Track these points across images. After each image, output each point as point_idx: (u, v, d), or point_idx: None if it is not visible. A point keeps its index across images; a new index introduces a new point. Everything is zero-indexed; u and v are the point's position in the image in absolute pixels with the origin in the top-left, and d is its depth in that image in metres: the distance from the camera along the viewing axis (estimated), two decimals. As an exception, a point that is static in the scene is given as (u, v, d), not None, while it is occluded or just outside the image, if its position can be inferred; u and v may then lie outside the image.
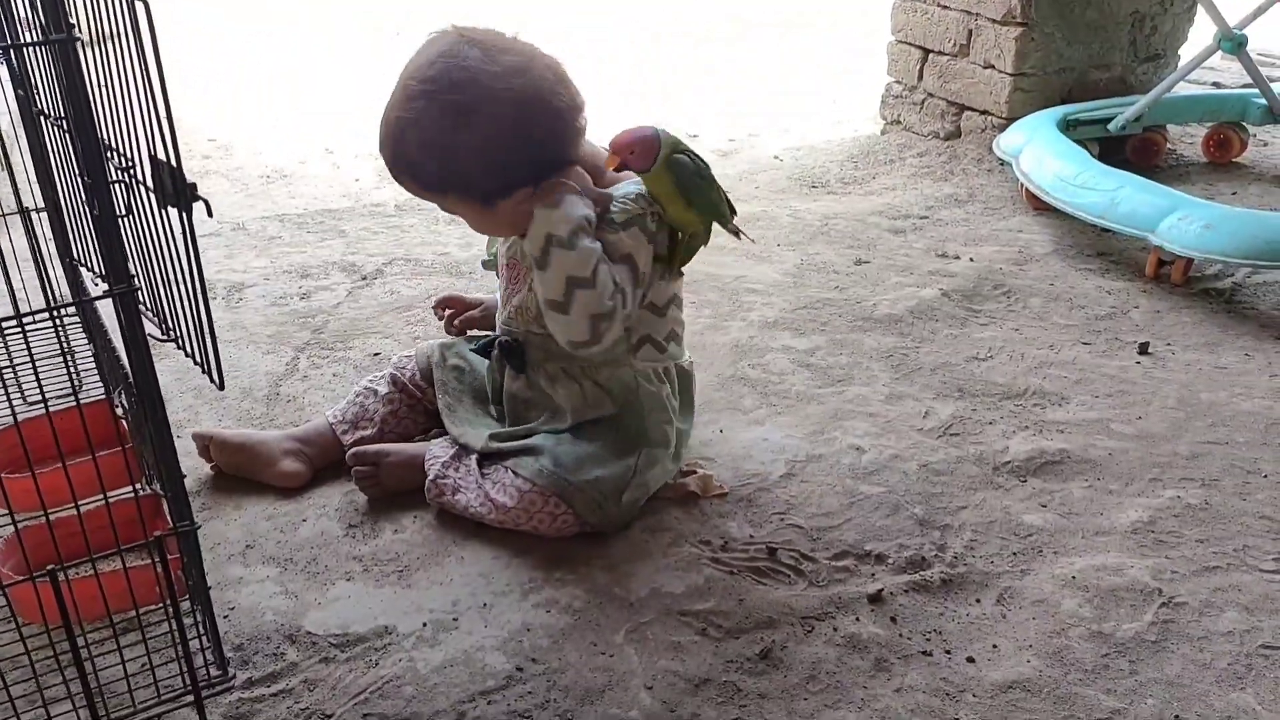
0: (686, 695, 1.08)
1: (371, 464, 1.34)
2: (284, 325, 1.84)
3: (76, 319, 1.44)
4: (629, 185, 1.30)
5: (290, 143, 3.31)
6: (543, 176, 1.22)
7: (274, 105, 3.70)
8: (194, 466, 1.41)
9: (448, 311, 1.57)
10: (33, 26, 0.99)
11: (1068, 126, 2.44)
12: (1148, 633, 1.19)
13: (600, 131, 1.29)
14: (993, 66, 2.64)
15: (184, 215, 0.82)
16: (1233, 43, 2.38)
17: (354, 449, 1.35)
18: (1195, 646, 1.17)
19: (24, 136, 1.28)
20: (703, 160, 1.28)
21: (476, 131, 1.17)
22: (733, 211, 1.34)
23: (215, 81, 3.77)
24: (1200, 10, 2.55)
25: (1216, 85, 3.12)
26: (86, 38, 0.80)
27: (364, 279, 2.04)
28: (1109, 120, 2.50)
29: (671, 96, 3.62)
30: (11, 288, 0.92)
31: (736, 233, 1.35)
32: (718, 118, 3.41)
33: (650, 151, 1.21)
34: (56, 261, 1.42)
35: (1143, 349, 1.79)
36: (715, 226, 1.34)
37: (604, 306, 1.21)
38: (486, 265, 1.46)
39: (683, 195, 1.25)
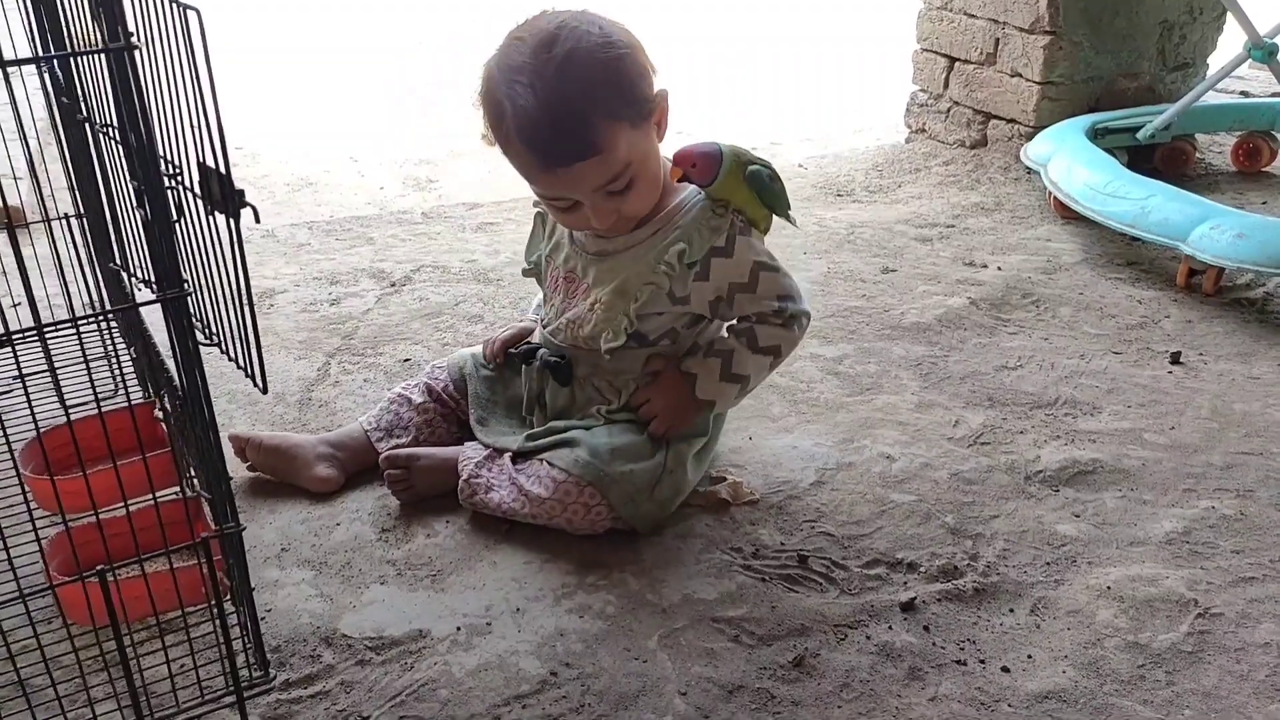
0: (720, 702, 1.09)
1: (404, 468, 1.35)
2: (315, 331, 1.86)
3: (114, 323, 1.46)
4: (688, 200, 1.31)
5: (316, 151, 3.35)
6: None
7: (299, 113, 3.73)
8: (231, 469, 1.42)
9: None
10: (79, 33, 1.00)
11: (1096, 135, 2.44)
12: (1184, 644, 1.18)
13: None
14: (1020, 75, 2.63)
15: (232, 221, 0.84)
16: (1263, 51, 2.37)
17: (387, 453, 1.36)
18: (1232, 658, 1.16)
19: (59, 143, 1.30)
20: (769, 165, 1.32)
21: (617, 45, 1.20)
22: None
23: (241, 89, 3.81)
24: (1229, 19, 2.54)
25: (1244, 94, 3.10)
26: (140, 43, 0.81)
27: (393, 286, 2.05)
28: (1137, 129, 2.49)
29: (692, 105, 3.63)
30: (67, 293, 0.93)
31: (793, 221, 1.41)
32: (739, 126, 3.42)
33: (712, 167, 1.24)
34: (95, 267, 1.44)
35: (1175, 359, 1.78)
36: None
37: (794, 339, 1.36)
38: (527, 273, 1.46)
39: (764, 202, 1.31)
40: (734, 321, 1.35)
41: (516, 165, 1.25)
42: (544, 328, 1.41)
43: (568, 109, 1.17)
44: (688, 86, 3.87)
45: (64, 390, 1.36)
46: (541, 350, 1.39)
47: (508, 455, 1.34)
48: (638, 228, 1.30)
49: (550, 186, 1.24)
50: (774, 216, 1.35)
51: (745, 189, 1.29)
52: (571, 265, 1.35)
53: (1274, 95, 2.75)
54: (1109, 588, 1.26)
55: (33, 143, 1.36)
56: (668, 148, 1.31)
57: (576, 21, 1.20)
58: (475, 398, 1.44)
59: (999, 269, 2.12)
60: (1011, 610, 1.23)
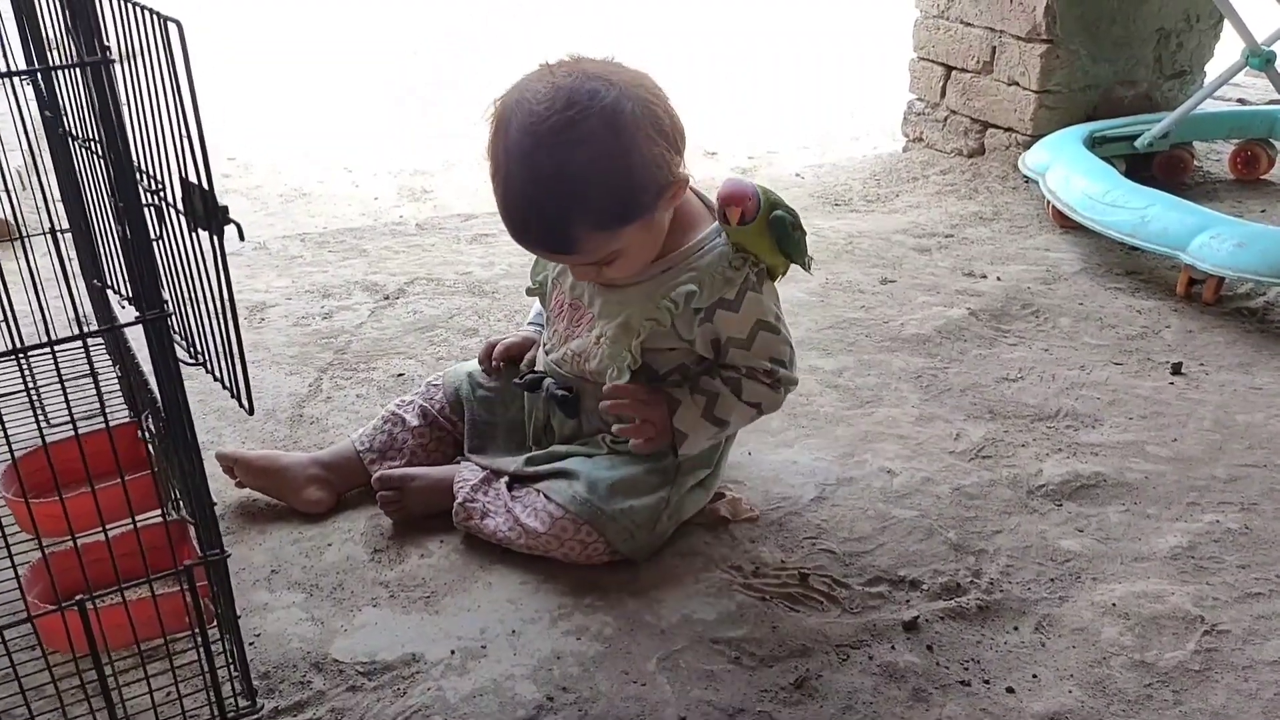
0: (720, 726, 1.06)
1: (397, 488, 1.32)
2: (306, 346, 1.83)
3: (100, 342, 1.44)
4: (708, 240, 1.26)
5: (309, 161, 3.33)
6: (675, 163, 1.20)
7: (292, 124, 3.72)
8: (219, 490, 1.39)
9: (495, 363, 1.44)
10: (64, 48, 0.98)
11: (1094, 144, 2.42)
12: (1191, 661, 1.16)
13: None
14: (1017, 84, 2.62)
15: (215, 238, 0.81)
16: (1260, 59, 2.35)
17: (380, 474, 1.33)
18: (1240, 676, 1.14)
19: (47, 157, 1.28)
20: (793, 211, 1.27)
21: (636, 129, 1.12)
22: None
23: (233, 100, 3.79)
24: (1227, 26, 2.53)
25: (1241, 101, 3.09)
26: (117, 57, 0.79)
27: (386, 299, 2.03)
28: (1135, 137, 2.48)
29: (689, 113, 3.62)
30: (46, 313, 0.91)
31: (808, 267, 1.35)
32: (736, 135, 3.40)
33: (754, 207, 1.21)
34: (80, 282, 1.42)
35: (1176, 369, 1.76)
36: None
37: (777, 400, 1.31)
38: (531, 292, 1.42)
39: (781, 250, 1.26)
40: (723, 368, 1.30)
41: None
42: (546, 353, 1.36)
43: (554, 207, 1.12)
44: (686, 94, 3.86)
45: (47, 410, 1.33)
46: (548, 380, 1.34)
47: (504, 479, 1.31)
48: (651, 263, 1.25)
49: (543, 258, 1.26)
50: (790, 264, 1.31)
51: (767, 235, 1.24)
52: (579, 293, 1.31)
53: (1272, 103, 2.74)
54: (1114, 604, 1.24)
55: (21, 156, 1.34)
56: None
57: (601, 97, 1.10)
58: (473, 425, 1.40)
59: (998, 279, 2.11)
60: (1016, 628, 1.21)
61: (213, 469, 1.45)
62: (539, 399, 1.36)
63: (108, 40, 0.73)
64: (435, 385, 1.46)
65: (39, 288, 1.34)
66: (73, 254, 1.44)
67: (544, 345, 1.38)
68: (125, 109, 0.81)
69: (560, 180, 1.10)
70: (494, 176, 1.16)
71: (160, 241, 0.84)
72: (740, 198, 1.21)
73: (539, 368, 1.38)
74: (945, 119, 2.87)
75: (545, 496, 1.26)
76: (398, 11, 5.66)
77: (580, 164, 1.09)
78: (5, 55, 1.11)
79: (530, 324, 1.48)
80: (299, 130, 3.64)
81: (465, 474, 1.33)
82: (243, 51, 4.60)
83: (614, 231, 1.15)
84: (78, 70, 0.75)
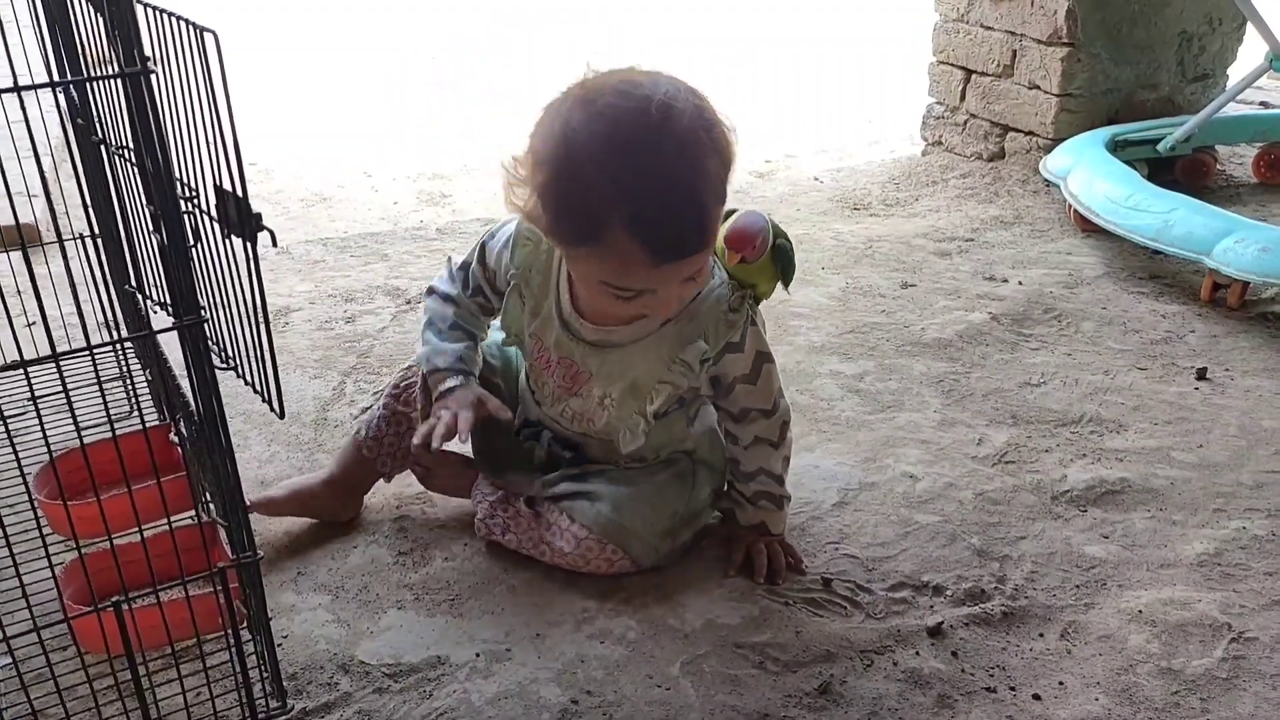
0: (745, 731, 1.06)
1: (427, 466, 1.35)
2: (330, 350, 1.85)
3: (130, 345, 1.45)
4: (713, 284, 1.19)
5: (329, 166, 3.35)
6: None
7: (313, 129, 3.74)
8: (245, 493, 1.40)
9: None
10: (95, 56, 1.00)
11: (1116, 147, 2.41)
12: (1218, 669, 1.15)
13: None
14: (1038, 87, 2.61)
15: (249, 245, 0.82)
16: (1284, 62, 2.34)
17: (416, 447, 1.25)
18: (1268, 684, 1.13)
19: (75, 164, 1.29)
20: (786, 235, 1.23)
21: (713, 113, 1.06)
22: None
23: (254, 105, 3.82)
24: (1250, 29, 2.51)
25: (1264, 105, 3.07)
26: (156, 67, 0.80)
27: (408, 303, 2.04)
28: (1158, 141, 2.46)
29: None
30: (82, 317, 0.92)
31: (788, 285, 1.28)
32: (753, 138, 3.40)
33: (765, 245, 1.17)
34: (112, 288, 1.43)
35: (1201, 374, 1.75)
36: None
37: (789, 440, 1.31)
38: (507, 344, 1.32)
39: (782, 278, 1.23)
40: (737, 424, 1.27)
41: (602, 261, 1.05)
42: (538, 404, 1.30)
43: (693, 199, 1.02)
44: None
45: (78, 413, 1.35)
46: (546, 434, 1.31)
47: (523, 499, 1.29)
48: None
49: (645, 280, 1.07)
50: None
51: (771, 267, 1.21)
52: (566, 352, 1.22)
53: (1295, 105, 2.72)
54: (1140, 611, 1.23)
55: (46, 160, 1.36)
56: None
57: (670, 87, 1.03)
58: (480, 457, 1.35)
59: (1020, 283, 2.10)
60: (1041, 635, 1.20)
61: (246, 475, 1.46)
62: (541, 447, 1.32)
63: (146, 50, 0.74)
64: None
65: (72, 292, 1.35)
66: (102, 259, 1.45)
67: (533, 396, 1.30)
68: (162, 117, 0.82)
69: (688, 167, 1.02)
70: (599, 207, 1.01)
71: (196, 248, 0.85)
72: (750, 241, 1.15)
73: (532, 417, 1.33)
74: (965, 123, 2.86)
75: (569, 517, 1.25)
76: (414, 15, 5.69)
77: (697, 147, 1.03)
78: (43, 65, 1.13)
79: (450, 369, 1.27)
80: (318, 135, 3.67)
81: (484, 488, 1.32)
82: (261, 57, 4.64)
83: (722, 204, 1.09)
84: (116, 80, 0.76)
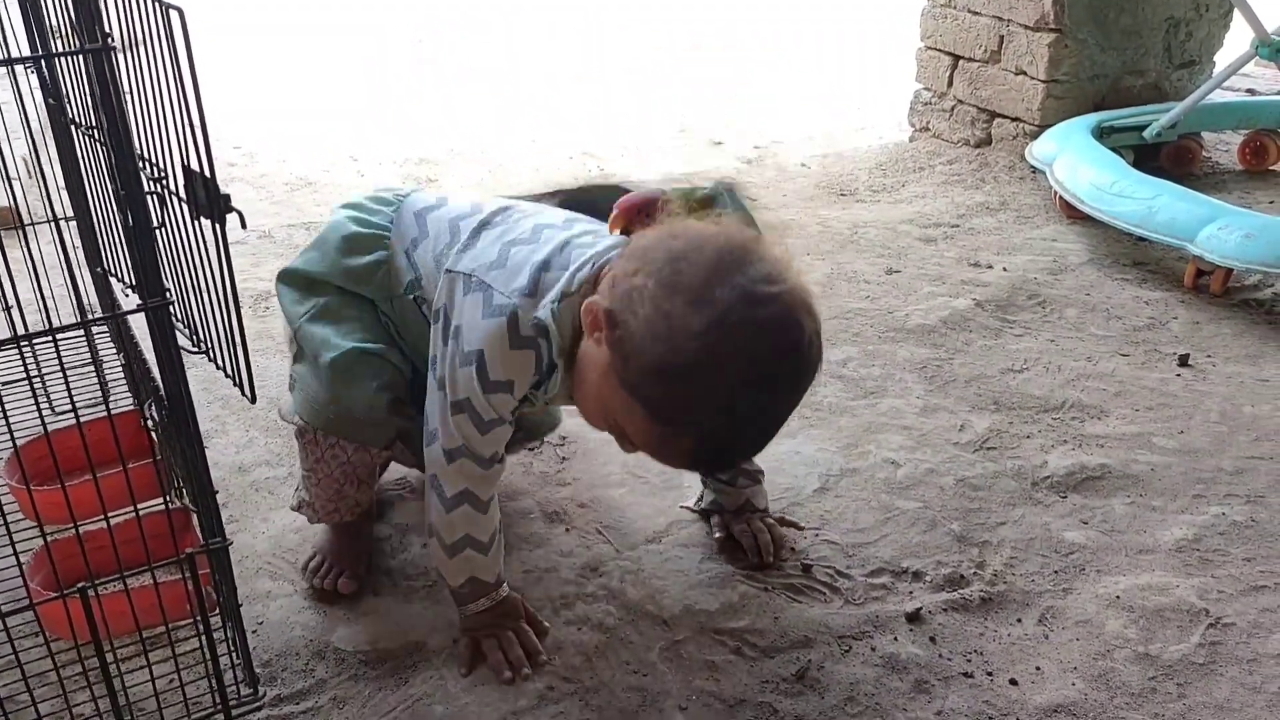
0: (722, 716, 1.06)
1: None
2: (311, 334, 1.83)
3: (105, 329, 1.44)
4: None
5: (315, 150, 3.32)
6: None
7: (298, 112, 3.71)
8: (221, 479, 1.40)
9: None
10: (64, 34, 0.98)
11: (1102, 134, 2.41)
12: (1195, 655, 1.15)
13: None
14: (1025, 73, 2.60)
15: (217, 227, 0.81)
16: (1270, 48, 2.33)
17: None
18: (1245, 669, 1.13)
19: (53, 145, 1.28)
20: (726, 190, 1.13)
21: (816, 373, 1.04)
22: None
23: (239, 88, 3.78)
24: (1237, 15, 2.51)
25: (1250, 92, 3.07)
26: (119, 44, 0.79)
27: (390, 287, 2.02)
28: (1144, 127, 2.46)
29: (695, 103, 3.61)
30: (43, 294, 0.91)
31: None
32: (741, 125, 3.39)
33: (650, 214, 1.06)
34: (85, 271, 1.42)
35: (1183, 361, 1.75)
36: None
37: None
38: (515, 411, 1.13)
39: None
40: None
41: (653, 434, 0.97)
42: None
43: (766, 440, 0.99)
44: (691, 84, 3.84)
45: (53, 399, 1.33)
46: None
47: None
48: None
49: (666, 461, 1.03)
50: None
51: None
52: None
53: (1281, 93, 2.72)
54: (1118, 597, 1.23)
55: (25, 145, 1.34)
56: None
57: (807, 312, 0.96)
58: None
59: (1004, 270, 2.09)
60: (1019, 620, 1.20)
61: (217, 459, 1.45)
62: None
63: (109, 27, 0.72)
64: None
65: (45, 275, 1.34)
66: (77, 242, 1.44)
67: None
68: (127, 96, 0.80)
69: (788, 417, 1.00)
70: (699, 408, 0.93)
71: (163, 229, 0.83)
72: (627, 208, 1.07)
73: None
74: (952, 109, 2.86)
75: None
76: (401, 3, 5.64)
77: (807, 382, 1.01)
78: (5, 42, 1.11)
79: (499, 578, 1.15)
80: (304, 119, 3.63)
81: None
82: (244, 39, 4.59)
83: None
84: (79, 57, 0.74)
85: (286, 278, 1.20)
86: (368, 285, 1.15)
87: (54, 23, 1.05)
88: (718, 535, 1.30)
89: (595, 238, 1.07)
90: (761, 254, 0.95)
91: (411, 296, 1.14)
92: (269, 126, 3.49)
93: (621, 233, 1.07)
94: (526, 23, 5.04)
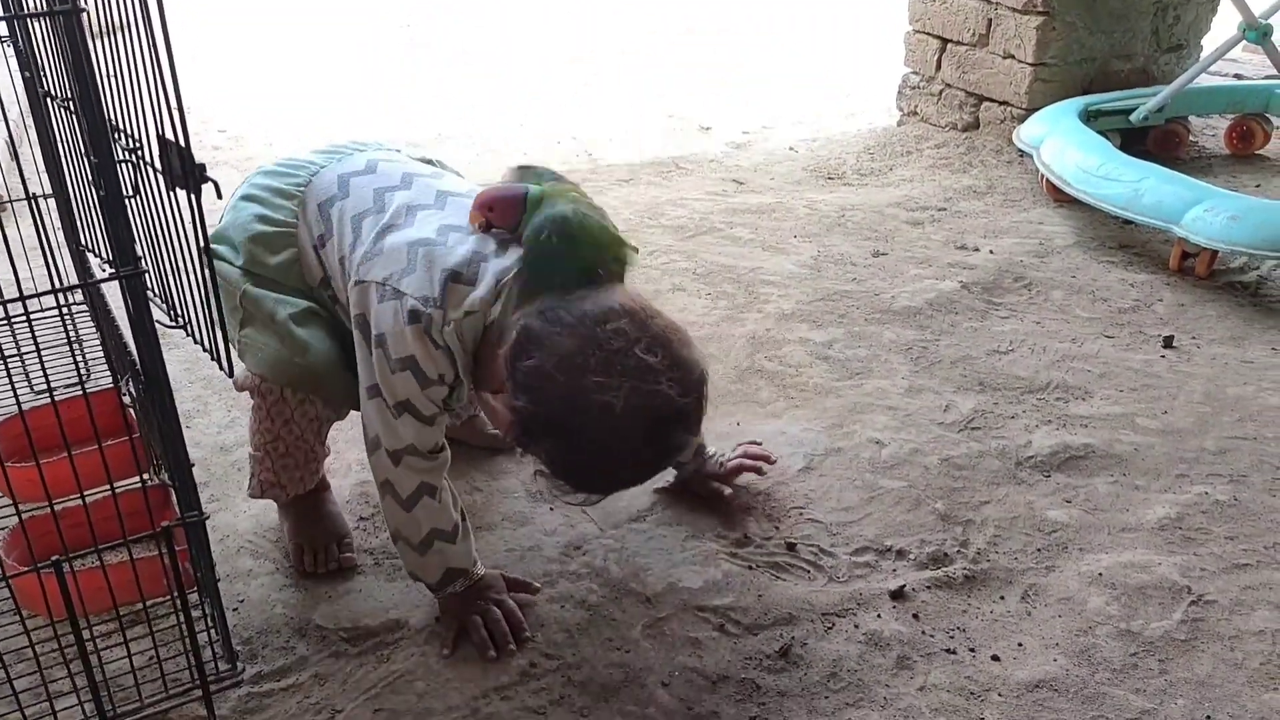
0: (705, 693, 1.06)
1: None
2: (294, 315, 1.82)
3: (84, 307, 1.42)
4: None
5: (302, 133, 3.29)
6: None
7: (286, 96, 3.68)
8: (203, 459, 1.39)
9: None
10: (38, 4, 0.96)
11: (1089, 117, 2.41)
12: (1177, 631, 1.15)
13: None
14: (1012, 56, 2.60)
15: (193, 197, 0.80)
16: (1258, 33, 2.34)
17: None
18: (1226, 645, 1.14)
19: (31, 122, 1.26)
20: (582, 211, 1.07)
21: None
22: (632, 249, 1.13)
23: (226, 72, 3.75)
24: (1224, 0, 2.51)
25: (1238, 76, 3.07)
26: (93, 13, 0.77)
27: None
28: (1131, 111, 2.46)
29: (685, 89, 3.59)
30: (16, 271, 0.90)
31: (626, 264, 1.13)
32: (731, 109, 3.38)
33: (511, 211, 1.07)
34: (64, 251, 1.40)
35: (1167, 342, 1.76)
36: None
37: None
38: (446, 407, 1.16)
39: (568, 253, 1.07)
40: None
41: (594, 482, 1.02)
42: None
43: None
44: (681, 69, 3.83)
45: (31, 376, 1.32)
46: None
47: None
48: None
49: None
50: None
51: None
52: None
53: (1268, 78, 2.72)
54: (1101, 574, 1.23)
55: (15, 122, 1.32)
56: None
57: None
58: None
59: (991, 252, 2.09)
60: (1002, 598, 1.20)
61: (197, 438, 1.44)
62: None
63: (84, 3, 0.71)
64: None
65: (24, 254, 1.32)
66: (56, 220, 1.42)
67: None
68: (99, 64, 0.79)
69: None
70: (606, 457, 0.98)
71: (137, 200, 0.82)
72: (478, 203, 1.08)
73: None
74: (940, 92, 2.85)
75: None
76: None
77: None
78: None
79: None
80: (292, 103, 3.60)
81: None
82: (235, 23, 4.56)
83: None
84: (49, 23, 0.73)
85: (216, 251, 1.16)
86: (285, 279, 1.13)
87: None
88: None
89: (484, 241, 1.07)
90: (637, 330, 0.97)
91: (327, 294, 1.13)
92: (256, 110, 3.47)
93: (481, 228, 1.08)
94: (520, 5, 5.01)
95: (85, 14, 0.70)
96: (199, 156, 0.78)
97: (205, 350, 0.89)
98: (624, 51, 4.07)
